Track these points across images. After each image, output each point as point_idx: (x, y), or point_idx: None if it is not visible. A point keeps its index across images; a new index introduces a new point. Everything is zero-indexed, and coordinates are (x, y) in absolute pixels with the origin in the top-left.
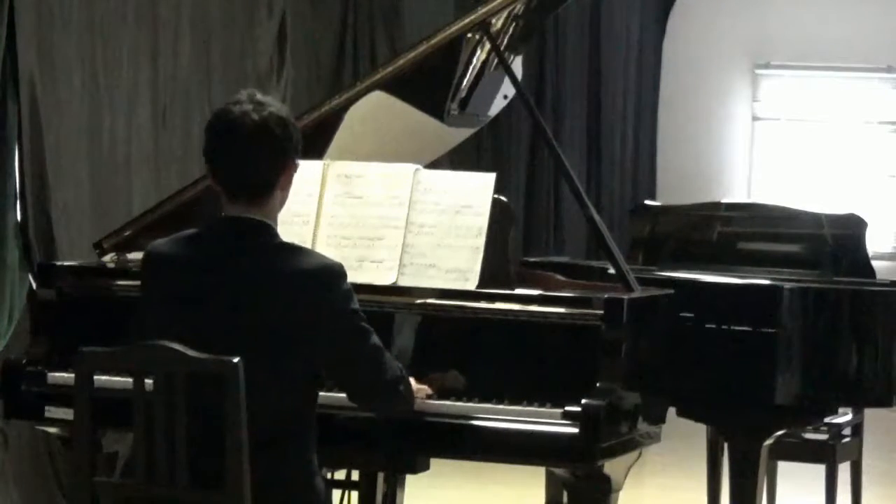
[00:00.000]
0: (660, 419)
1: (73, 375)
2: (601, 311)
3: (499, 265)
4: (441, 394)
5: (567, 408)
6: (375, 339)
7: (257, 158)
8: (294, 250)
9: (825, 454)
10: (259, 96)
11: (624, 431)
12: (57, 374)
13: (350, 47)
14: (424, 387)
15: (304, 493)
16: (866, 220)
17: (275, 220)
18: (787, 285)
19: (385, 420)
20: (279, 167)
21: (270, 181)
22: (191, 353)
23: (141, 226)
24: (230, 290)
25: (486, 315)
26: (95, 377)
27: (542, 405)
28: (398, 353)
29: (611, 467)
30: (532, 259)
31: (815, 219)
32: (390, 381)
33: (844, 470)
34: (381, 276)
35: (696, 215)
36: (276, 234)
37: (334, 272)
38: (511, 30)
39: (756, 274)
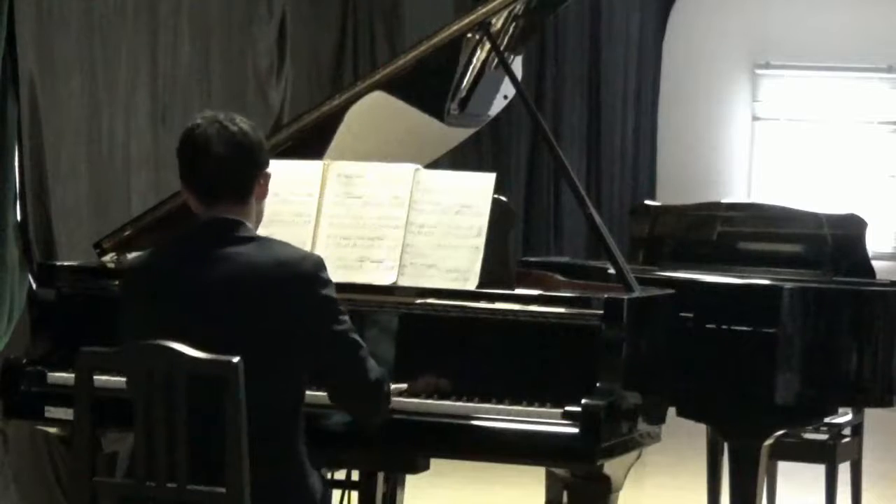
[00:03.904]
0: (660, 419)
1: (73, 375)
2: (601, 311)
3: (499, 265)
4: (440, 394)
5: (567, 408)
6: (357, 336)
7: (234, 163)
8: (270, 242)
9: (825, 454)
10: (223, 113)
11: (624, 431)
12: (57, 374)
13: (350, 47)
14: (402, 385)
15: (298, 494)
16: (866, 220)
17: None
18: (788, 285)
19: (384, 419)
20: (254, 174)
21: (247, 186)
22: (191, 352)
23: (141, 226)
24: (209, 287)
25: (486, 315)
26: (95, 377)
27: (542, 405)
28: (397, 354)
29: (611, 467)
30: (532, 259)
31: (815, 219)
32: (374, 382)
33: (844, 470)
34: (381, 276)
35: (696, 215)
36: (251, 231)
37: (313, 261)
38: (511, 30)
39: (756, 274)
